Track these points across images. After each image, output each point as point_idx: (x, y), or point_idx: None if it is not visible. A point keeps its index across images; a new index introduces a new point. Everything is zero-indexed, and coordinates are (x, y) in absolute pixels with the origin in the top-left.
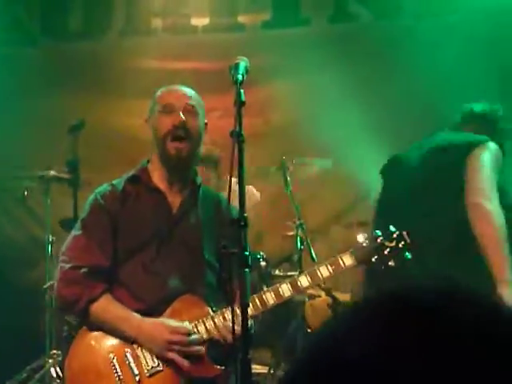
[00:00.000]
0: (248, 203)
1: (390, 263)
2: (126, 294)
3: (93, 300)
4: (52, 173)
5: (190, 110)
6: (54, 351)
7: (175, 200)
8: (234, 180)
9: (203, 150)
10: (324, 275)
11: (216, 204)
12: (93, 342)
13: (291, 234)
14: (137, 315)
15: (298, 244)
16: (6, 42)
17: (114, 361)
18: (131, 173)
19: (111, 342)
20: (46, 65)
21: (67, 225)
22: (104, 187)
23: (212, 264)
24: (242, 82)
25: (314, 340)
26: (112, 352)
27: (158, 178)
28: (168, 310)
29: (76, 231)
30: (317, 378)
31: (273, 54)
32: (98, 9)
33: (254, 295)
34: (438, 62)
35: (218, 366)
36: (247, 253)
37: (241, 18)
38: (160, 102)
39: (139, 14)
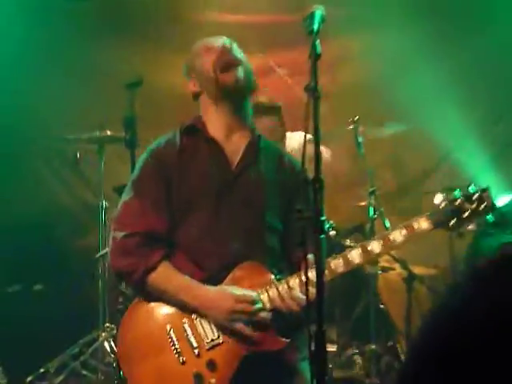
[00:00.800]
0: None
1: (469, 227)
2: (184, 259)
3: (150, 270)
4: (107, 132)
5: (231, 47)
6: (108, 324)
7: (234, 153)
8: (298, 136)
9: (264, 98)
10: (397, 240)
11: (279, 159)
12: (147, 313)
13: (363, 203)
14: (198, 283)
15: (371, 213)
16: None
17: (171, 332)
18: (186, 123)
19: (167, 311)
20: (101, 17)
21: (122, 191)
22: (157, 142)
23: (275, 227)
24: (317, 33)
25: (440, 305)
26: (169, 323)
27: (214, 126)
28: (228, 278)
29: (127, 195)
30: (447, 341)
31: (345, 5)
32: None
33: None
34: None
35: (284, 339)
36: (323, 218)
37: None
38: (200, 50)
39: None
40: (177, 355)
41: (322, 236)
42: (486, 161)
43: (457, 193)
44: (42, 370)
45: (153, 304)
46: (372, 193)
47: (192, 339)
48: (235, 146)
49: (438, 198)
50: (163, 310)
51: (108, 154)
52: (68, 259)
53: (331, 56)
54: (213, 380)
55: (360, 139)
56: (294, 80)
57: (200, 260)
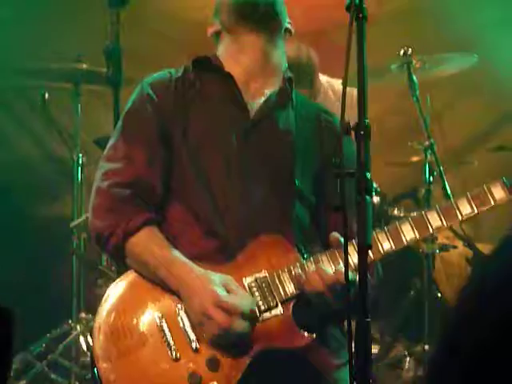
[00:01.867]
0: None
1: None
2: (189, 223)
3: (130, 233)
4: (83, 66)
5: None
6: (84, 314)
7: (255, 97)
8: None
9: (291, 52)
10: (464, 213)
11: (317, 117)
12: (132, 295)
13: (417, 159)
14: (185, 260)
15: (427, 174)
16: None
17: (162, 320)
18: (199, 56)
19: (158, 293)
20: None
21: (105, 142)
22: (156, 75)
23: (304, 195)
24: None
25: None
26: (159, 308)
27: (233, 67)
28: (243, 252)
29: (114, 136)
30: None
31: None
32: None
33: None
34: None
35: (308, 334)
36: (369, 174)
37: None
38: None
39: None
40: (168, 350)
41: (368, 198)
42: None
43: None
44: None
45: (138, 282)
46: (430, 148)
47: (189, 330)
48: (258, 90)
49: None
50: (152, 292)
51: (85, 94)
52: (32, 231)
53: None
54: (213, 383)
55: (414, 78)
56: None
57: (207, 225)
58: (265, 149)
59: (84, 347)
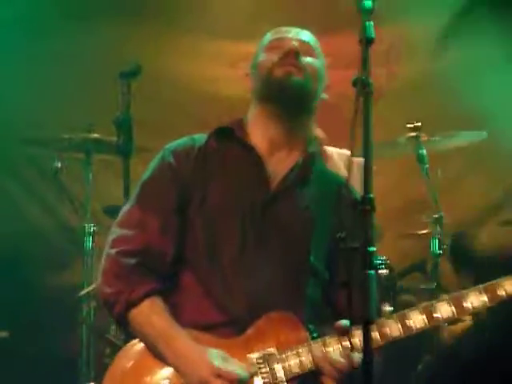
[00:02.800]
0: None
1: None
2: (200, 294)
3: (132, 304)
4: (95, 135)
5: (305, 46)
6: (92, 382)
7: (277, 169)
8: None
9: None
10: (475, 305)
11: (337, 190)
12: (138, 366)
13: (425, 231)
14: (183, 334)
15: (435, 247)
16: None
17: None
18: (224, 126)
19: (159, 365)
20: None
21: (115, 212)
22: (179, 141)
23: (319, 271)
24: (372, 11)
25: None
26: (166, 381)
27: (258, 135)
28: (251, 329)
29: (130, 202)
30: None
31: None
32: None
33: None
34: None
35: None
36: (373, 248)
37: None
38: (265, 41)
39: None
40: None
41: (372, 272)
42: None
43: None
44: None
45: (145, 352)
46: (438, 220)
47: None
48: (281, 162)
49: None
50: (157, 363)
51: (96, 163)
52: (42, 299)
53: (386, 45)
54: None
55: (423, 151)
56: (338, 74)
57: (218, 298)
58: (281, 223)
59: None
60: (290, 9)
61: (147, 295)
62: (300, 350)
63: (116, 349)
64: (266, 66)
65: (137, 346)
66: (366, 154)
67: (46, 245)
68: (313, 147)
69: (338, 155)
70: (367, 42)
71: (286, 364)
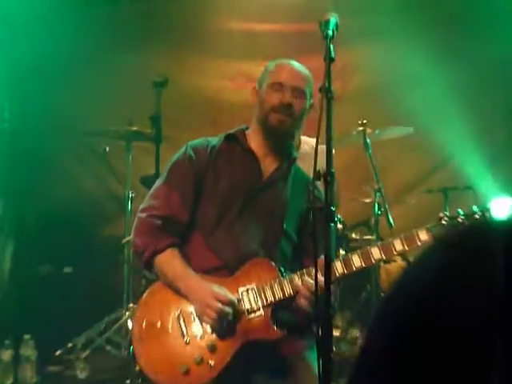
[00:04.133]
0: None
1: None
2: (204, 247)
3: (158, 252)
4: (134, 128)
5: (298, 92)
6: (131, 305)
7: (267, 167)
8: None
9: None
10: (398, 249)
11: (306, 185)
12: (161, 297)
13: (369, 200)
14: (194, 275)
15: (376, 209)
16: (90, 2)
17: (180, 316)
18: (229, 132)
19: (178, 297)
20: (127, 24)
21: (148, 182)
22: (198, 141)
23: (290, 235)
24: (332, 38)
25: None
26: (178, 308)
27: (255, 143)
28: (239, 271)
29: (160, 180)
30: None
31: (355, 17)
32: None
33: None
34: None
35: (280, 330)
36: (333, 208)
37: None
38: (271, 77)
39: None
40: (182, 337)
41: (332, 225)
42: (485, 164)
43: (459, 211)
44: (69, 345)
45: (167, 289)
46: (378, 190)
47: (198, 324)
48: (270, 163)
49: (442, 213)
50: (175, 296)
51: (135, 148)
52: (96, 245)
53: (342, 63)
54: (211, 361)
55: (368, 140)
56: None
57: (218, 251)
58: (267, 203)
59: (130, 327)
60: (276, 41)
61: (168, 246)
62: (276, 283)
63: (149, 281)
64: (266, 107)
65: (161, 284)
66: (328, 142)
67: (98, 207)
68: (294, 153)
69: (310, 143)
70: (329, 60)
71: (263, 294)
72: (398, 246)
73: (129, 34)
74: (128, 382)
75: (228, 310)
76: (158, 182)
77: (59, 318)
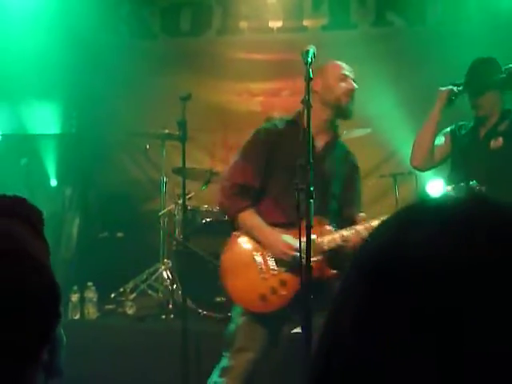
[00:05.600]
0: None
1: None
2: (274, 207)
3: (240, 211)
4: (166, 131)
5: (353, 80)
6: (166, 260)
7: (319, 143)
8: None
9: (276, 114)
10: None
11: (346, 153)
12: (241, 243)
13: None
14: (268, 227)
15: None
16: (134, 36)
17: (257, 257)
18: (290, 117)
19: (255, 242)
20: (163, 53)
21: (177, 171)
22: (267, 124)
23: (337, 195)
24: (310, 63)
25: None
26: (256, 250)
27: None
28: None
29: (237, 155)
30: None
31: (328, 50)
32: (202, 13)
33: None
34: (455, 60)
35: (334, 270)
36: (312, 188)
37: (305, 22)
38: (336, 71)
39: (231, 18)
40: (260, 273)
41: (311, 201)
42: None
43: (448, 186)
44: (121, 290)
45: (245, 238)
46: None
47: (272, 263)
48: (321, 139)
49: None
50: (252, 241)
51: (168, 146)
52: (140, 216)
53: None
54: (283, 292)
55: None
56: (294, 98)
57: (284, 209)
58: (320, 171)
59: (165, 277)
60: (271, 67)
61: (247, 207)
62: (330, 236)
63: (179, 243)
64: (338, 92)
65: (240, 235)
66: (308, 140)
67: (142, 189)
68: (338, 130)
69: None
70: (308, 80)
71: (323, 241)
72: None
73: (163, 61)
74: (163, 316)
75: (295, 254)
76: (237, 156)
77: (113, 269)
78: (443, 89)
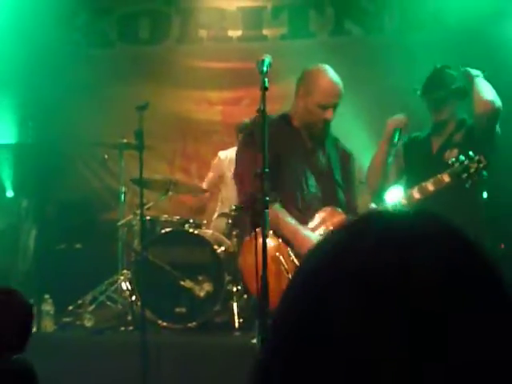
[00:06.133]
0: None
1: (475, 178)
2: (290, 201)
3: (268, 204)
4: (125, 141)
5: (336, 107)
6: (125, 271)
7: (307, 137)
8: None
9: (247, 120)
10: (430, 189)
11: (335, 142)
12: (260, 245)
13: None
14: (295, 223)
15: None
16: (91, 45)
17: (280, 257)
18: (281, 114)
19: (275, 243)
20: (121, 62)
21: (136, 181)
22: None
23: (339, 184)
24: (266, 73)
25: (314, 251)
26: (277, 250)
27: (298, 121)
28: (316, 218)
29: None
30: (317, 289)
31: (287, 59)
32: (160, 22)
33: None
34: (412, 68)
35: None
36: (267, 198)
37: (265, 31)
38: (320, 96)
39: (190, 26)
40: (285, 271)
41: (267, 211)
42: None
43: (462, 157)
44: (79, 302)
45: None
46: None
47: (296, 260)
48: (308, 133)
49: (453, 159)
50: (273, 241)
51: (126, 155)
52: (99, 227)
53: (281, 92)
54: None
55: None
56: (253, 107)
57: (295, 204)
58: (316, 164)
59: (124, 288)
60: (229, 76)
61: (275, 201)
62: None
63: (137, 253)
64: (314, 119)
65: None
66: (263, 149)
67: (100, 199)
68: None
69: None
70: (264, 89)
71: None
72: (431, 187)
73: (122, 70)
74: (122, 328)
75: None
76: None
77: (71, 281)
78: (392, 120)
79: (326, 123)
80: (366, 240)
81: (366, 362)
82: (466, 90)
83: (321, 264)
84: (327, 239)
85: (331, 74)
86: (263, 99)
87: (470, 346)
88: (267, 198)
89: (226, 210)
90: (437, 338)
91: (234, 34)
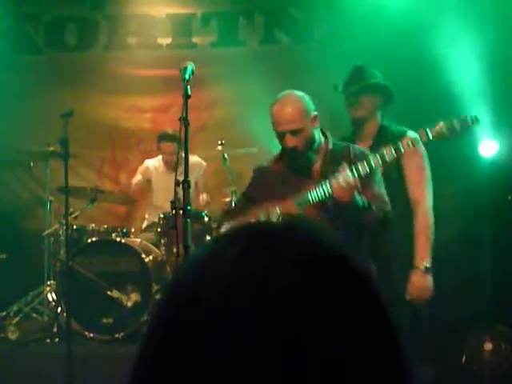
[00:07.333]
0: (199, 170)
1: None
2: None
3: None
4: (51, 148)
5: (296, 131)
6: (50, 281)
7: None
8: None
9: (170, 129)
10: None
11: (344, 149)
12: None
13: (228, 199)
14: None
15: (233, 205)
16: (17, 51)
17: None
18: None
19: None
20: (47, 69)
21: (62, 190)
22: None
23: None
24: (188, 80)
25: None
26: None
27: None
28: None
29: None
30: (179, 309)
31: (217, 67)
32: (88, 29)
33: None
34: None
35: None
36: (189, 207)
37: (194, 39)
38: (274, 126)
39: (119, 33)
40: None
41: (189, 220)
42: None
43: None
44: (3, 314)
45: None
46: (234, 191)
47: None
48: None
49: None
50: None
51: (52, 163)
52: (24, 236)
53: (210, 99)
54: None
55: (225, 156)
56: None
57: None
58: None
59: (50, 299)
60: (158, 83)
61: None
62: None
63: (62, 264)
64: (282, 148)
65: None
66: (185, 156)
67: (26, 207)
68: (328, 137)
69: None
70: (186, 97)
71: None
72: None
73: (49, 76)
74: (48, 340)
75: None
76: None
77: None
78: None
79: (293, 151)
80: (230, 253)
81: (236, 363)
82: (389, 90)
83: (182, 280)
84: (197, 252)
85: (282, 100)
86: (185, 107)
87: (325, 335)
88: (189, 208)
89: (155, 219)
90: (296, 330)
91: (164, 41)
